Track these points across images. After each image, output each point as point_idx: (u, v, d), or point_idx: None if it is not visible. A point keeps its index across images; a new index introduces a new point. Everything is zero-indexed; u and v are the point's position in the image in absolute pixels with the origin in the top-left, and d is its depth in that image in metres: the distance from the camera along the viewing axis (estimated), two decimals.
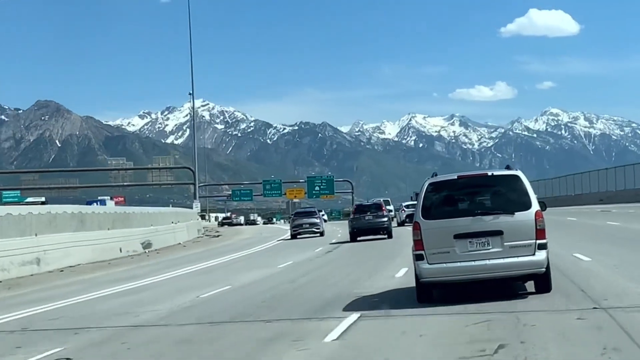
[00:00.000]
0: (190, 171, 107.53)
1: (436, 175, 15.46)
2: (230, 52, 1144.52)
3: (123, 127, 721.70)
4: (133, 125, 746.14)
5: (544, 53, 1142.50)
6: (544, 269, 14.40)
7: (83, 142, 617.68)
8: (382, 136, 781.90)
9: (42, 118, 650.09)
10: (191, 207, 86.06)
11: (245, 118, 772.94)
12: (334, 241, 47.75)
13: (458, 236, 14.33)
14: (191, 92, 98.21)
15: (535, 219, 14.34)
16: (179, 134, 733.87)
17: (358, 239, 46.15)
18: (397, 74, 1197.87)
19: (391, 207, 76.20)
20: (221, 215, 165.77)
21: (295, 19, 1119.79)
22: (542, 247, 14.28)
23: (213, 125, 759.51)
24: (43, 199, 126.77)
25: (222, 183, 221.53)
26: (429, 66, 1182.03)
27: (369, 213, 47.44)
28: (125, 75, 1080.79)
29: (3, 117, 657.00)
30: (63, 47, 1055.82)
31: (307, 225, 59.03)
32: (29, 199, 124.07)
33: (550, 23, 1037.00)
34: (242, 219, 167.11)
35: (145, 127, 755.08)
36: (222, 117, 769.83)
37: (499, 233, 14.28)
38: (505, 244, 14.25)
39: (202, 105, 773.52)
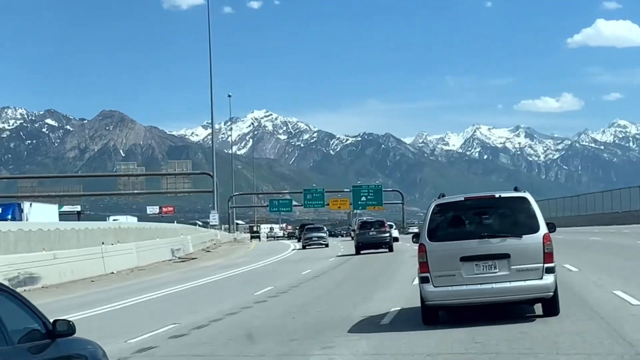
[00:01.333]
0: (210, 177, 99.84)
1: (443, 196, 15.26)
2: (293, 63, 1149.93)
3: (187, 137, 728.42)
4: (197, 135, 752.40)
5: (611, 64, 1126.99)
6: (551, 293, 14.15)
7: (147, 152, 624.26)
8: (446, 147, 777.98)
9: (107, 128, 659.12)
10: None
11: (308, 129, 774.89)
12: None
13: (464, 259, 14.12)
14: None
15: (544, 242, 14.08)
16: (242, 144, 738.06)
17: (361, 252, 49.28)
18: (461, 86, 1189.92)
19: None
20: (276, 227, 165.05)
21: (358, 30, 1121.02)
22: (550, 270, 14.02)
23: (276, 136, 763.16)
24: (78, 208, 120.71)
25: (260, 192, 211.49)
26: (493, 78, 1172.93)
27: (372, 229, 51.04)
28: (189, 86, 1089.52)
29: (68, 127, 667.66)
30: (127, 58, 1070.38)
31: (316, 238, 70.17)
32: (65, 208, 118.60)
33: (618, 33, 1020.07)
34: (280, 232, 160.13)
35: (209, 137, 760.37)
36: (285, 128, 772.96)
37: (506, 256, 14.04)
38: (512, 267, 14.01)
39: (265, 116, 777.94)
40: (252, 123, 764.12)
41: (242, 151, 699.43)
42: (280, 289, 26.97)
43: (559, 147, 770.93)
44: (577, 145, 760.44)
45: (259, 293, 25.95)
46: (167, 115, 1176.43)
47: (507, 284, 13.97)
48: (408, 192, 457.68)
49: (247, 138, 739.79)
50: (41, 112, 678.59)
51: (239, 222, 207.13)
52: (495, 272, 14.05)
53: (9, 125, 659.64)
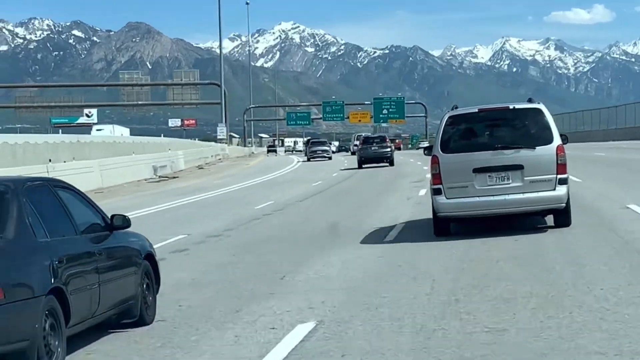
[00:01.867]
0: (218, 87, 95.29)
1: (457, 108, 15.19)
2: None
3: (213, 49, 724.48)
4: (223, 47, 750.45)
5: None
6: (564, 204, 14.17)
7: (173, 64, 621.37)
8: (475, 60, 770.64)
9: (133, 40, 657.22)
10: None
11: (335, 41, 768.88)
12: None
13: (477, 170, 14.09)
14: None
15: (557, 153, 14.04)
16: (269, 56, 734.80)
17: (363, 166, 50.64)
18: None
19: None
20: (300, 141, 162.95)
21: None
22: (563, 182, 14.03)
23: (303, 49, 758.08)
24: (95, 119, 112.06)
25: (279, 105, 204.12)
26: None
27: (374, 144, 53.02)
28: None
29: (95, 38, 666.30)
30: None
31: (320, 152, 75.61)
32: (81, 120, 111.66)
33: None
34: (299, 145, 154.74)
35: (235, 49, 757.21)
36: (312, 40, 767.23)
37: (519, 167, 14.03)
38: (525, 178, 14.02)
39: (293, 28, 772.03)
40: (280, 35, 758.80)
41: (269, 64, 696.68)
42: (188, 242, 17.59)
43: (589, 59, 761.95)
44: (608, 57, 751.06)
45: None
46: (194, 27, 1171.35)
47: (520, 195, 13.98)
48: (435, 106, 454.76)
49: (275, 50, 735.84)
50: (68, 24, 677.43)
51: (263, 135, 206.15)
52: (509, 184, 14.05)
53: (35, 37, 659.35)
